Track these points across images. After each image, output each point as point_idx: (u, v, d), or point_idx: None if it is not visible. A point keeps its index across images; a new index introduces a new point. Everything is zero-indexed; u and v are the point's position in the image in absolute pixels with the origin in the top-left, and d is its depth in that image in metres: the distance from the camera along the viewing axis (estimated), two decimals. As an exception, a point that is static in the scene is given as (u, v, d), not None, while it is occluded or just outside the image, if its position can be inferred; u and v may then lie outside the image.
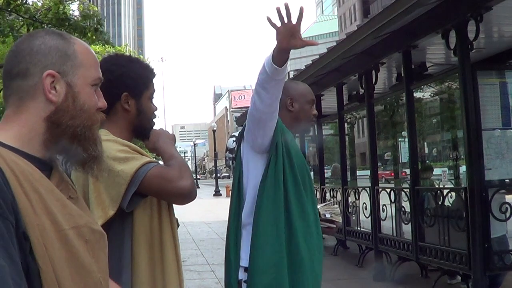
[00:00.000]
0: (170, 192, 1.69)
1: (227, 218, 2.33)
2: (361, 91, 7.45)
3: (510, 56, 6.20)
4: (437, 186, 6.33)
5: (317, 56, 7.56)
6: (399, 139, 8.55)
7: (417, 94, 6.98)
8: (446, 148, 8.30)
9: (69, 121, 1.07)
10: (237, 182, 2.28)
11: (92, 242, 1.06)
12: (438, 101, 7.75)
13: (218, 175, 37.72)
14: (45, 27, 11.06)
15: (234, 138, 3.03)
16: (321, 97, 8.82)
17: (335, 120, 9.23)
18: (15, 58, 1.07)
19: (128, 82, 1.79)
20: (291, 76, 9.20)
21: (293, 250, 2.13)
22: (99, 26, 12.11)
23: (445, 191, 5.49)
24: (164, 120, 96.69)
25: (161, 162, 1.80)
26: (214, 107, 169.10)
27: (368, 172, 7.31)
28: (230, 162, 2.97)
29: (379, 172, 7.31)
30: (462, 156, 6.62)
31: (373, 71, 6.86)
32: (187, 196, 1.71)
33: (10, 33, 11.80)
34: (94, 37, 12.03)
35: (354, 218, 7.90)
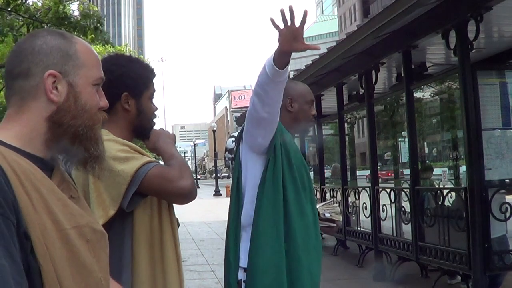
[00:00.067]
0: (170, 192, 1.69)
1: (227, 218, 2.33)
2: (361, 91, 7.45)
3: (510, 56, 6.20)
4: (437, 186, 6.34)
5: (317, 56, 7.56)
6: (399, 139, 8.56)
7: (417, 94, 6.98)
8: (446, 148, 8.30)
9: (71, 121, 1.07)
10: (236, 182, 2.29)
11: (93, 241, 1.06)
12: (438, 101, 7.75)
13: (218, 175, 37.69)
14: (45, 26, 11.06)
15: (233, 139, 3.03)
16: (321, 97, 8.82)
17: (335, 120, 9.23)
18: (17, 58, 1.07)
19: (128, 82, 1.79)
20: (291, 76, 9.18)
21: (290, 250, 2.14)
22: (99, 25, 12.10)
23: (445, 191, 5.49)
24: (164, 120, 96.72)
25: (161, 162, 1.80)
26: (214, 107, 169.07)
27: (366, 172, 7.31)
28: (230, 162, 2.98)
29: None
30: (462, 156, 6.62)
31: (373, 71, 6.86)
32: (187, 195, 1.71)
33: (9, 33, 11.80)
34: (93, 36, 12.02)
35: (354, 218, 7.90)
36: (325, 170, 9.62)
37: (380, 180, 7.34)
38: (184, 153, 78.77)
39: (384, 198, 6.69)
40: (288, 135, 2.29)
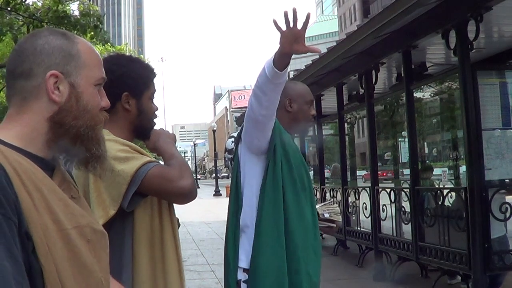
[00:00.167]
0: (170, 192, 1.69)
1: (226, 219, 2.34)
2: (361, 91, 7.45)
3: (510, 56, 6.20)
4: (437, 186, 6.34)
5: (317, 56, 7.56)
6: (399, 139, 8.56)
7: (417, 94, 6.98)
8: (446, 148, 8.30)
9: (72, 121, 1.07)
10: (234, 183, 2.29)
11: (94, 242, 1.06)
12: (438, 101, 7.76)
13: (218, 175, 37.68)
14: (45, 25, 11.05)
15: (233, 139, 3.04)
16: (321, 97, 8.83)
17: (335, 120, 9.23)
18: (19, 57, 1.07)
19: (128, 82, 1.79)
20: (291, 76, 9.18)
21: (289, 251, 2.14)
22: (99, 23, 12.08)
23: (445, 191, 5.49)
24: (164, 120, 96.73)
25: (161, 162, 1.80)
26: (214, 107, 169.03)
27: (363, 173, 7.30)
28: (229, 162, 2.98)
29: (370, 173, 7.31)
30: (462, 156, 6.63)
31: (373, 71, 6.86)
32: (188, 195, 1.71)
33: (8, 32, 11.78)
34: (92, 33, 12.00)
35: (354, 218, 7.90)
36: (325, 170, 9.62)
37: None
38: (184, 153, 78.72)
39: (384, 198, 6.69)
40: (287, 136, 2.29)
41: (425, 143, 8.72)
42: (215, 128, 40.48)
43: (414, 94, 6.40)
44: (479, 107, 5.05)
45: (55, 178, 1.06)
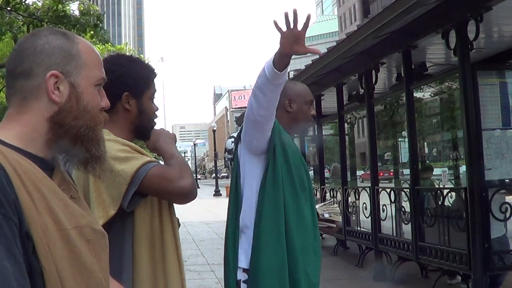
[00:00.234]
0: (170, 192, 1.69)
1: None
2: (361, 91, 7.45)
3: (510, 56, 6.20)
4: (437, 186, 6.34)
5: (317, 56, 7.56)
6: (399, 139, 8.55)
7: (417, 94, 6.98)
8: (446, 148, 8.30)
9: (72, 122, 1.06)
10: (234, 183, 2.29)
11: (94, 242, 1.06)
12: (438, 101, 7.75)
13: (218, 175, 37.67)
14: (45, 25, 11.06)
15: (232, 139, 3.04)
16: (321, 97, 8.82)
17: (335, 120, 9.23)
18: (19, 57, 1.07)
19: (129, 82, 1.79)
20: (291, 76, 9.19)
21: (288, 251, 2.14)
22: (98, 22, 12.08)
23: (445, 191, 5.49)
24: (164, 120, 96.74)
25: (161, 162, 1.80)
26: (214, 107, 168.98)
27: (361, 173, 7.30)
28: (229, 162, 2.98)
29: (366, 173, 7.32)
30: (462, 156, 6.63)
31: (373, 71, 6.86)
32: (188, 195, 1.71)
33: (8, 31, 11.78)
34: (92, 32, 12.00)
35: (354, 218, 7.90)
36: (325, 170, 9.62)
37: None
38: (184, 153, 78.68)
39: (384, 198, 6.69)
40: (287, 136, 2.29)
41: (425, 143, 8.72)
42: (215, 128, 40.48)
43: (414, 94, 6.40)
44: (479, 107, 5.05)
45: (54, 178, 1.06)
